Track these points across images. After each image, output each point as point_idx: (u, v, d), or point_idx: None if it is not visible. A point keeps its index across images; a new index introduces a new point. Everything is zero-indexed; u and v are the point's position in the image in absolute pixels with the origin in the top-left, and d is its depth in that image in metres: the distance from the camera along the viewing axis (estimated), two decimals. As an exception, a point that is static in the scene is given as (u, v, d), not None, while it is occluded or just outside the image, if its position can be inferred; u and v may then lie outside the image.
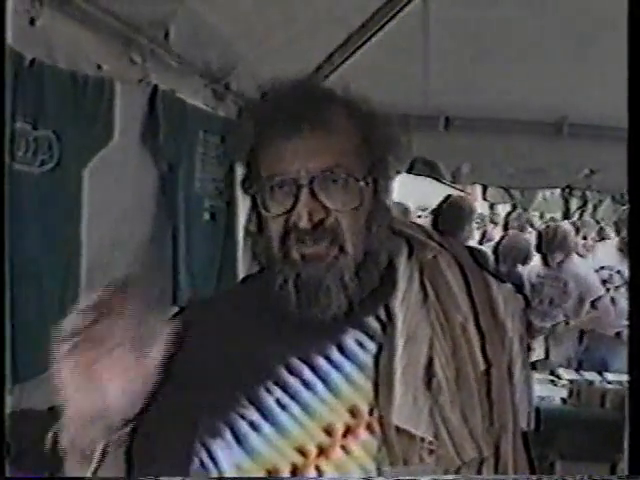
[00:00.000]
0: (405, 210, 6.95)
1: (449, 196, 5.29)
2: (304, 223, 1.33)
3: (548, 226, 6.81)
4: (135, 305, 1.28)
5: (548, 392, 4.74)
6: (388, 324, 1.39)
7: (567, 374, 5.13)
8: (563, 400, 4.67)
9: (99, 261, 2.84)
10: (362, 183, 1.37)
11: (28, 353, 2.44)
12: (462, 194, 5.38)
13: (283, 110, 1.36)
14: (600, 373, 5.10)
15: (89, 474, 1.36)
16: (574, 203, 11.65)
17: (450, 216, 4.93)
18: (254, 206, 1.42)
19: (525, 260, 6.47)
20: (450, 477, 1.33)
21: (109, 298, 1.27)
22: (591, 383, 4.82)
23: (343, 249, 1.36)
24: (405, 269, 1.43)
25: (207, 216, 3.69)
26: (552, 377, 5.08)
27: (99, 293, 1.27)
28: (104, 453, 1.35)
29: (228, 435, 1.37)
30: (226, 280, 3.69)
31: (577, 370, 5.40)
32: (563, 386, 4.85)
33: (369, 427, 1.34)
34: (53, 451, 2.57)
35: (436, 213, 5.16)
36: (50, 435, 2.59)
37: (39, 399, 2.58)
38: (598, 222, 9.43)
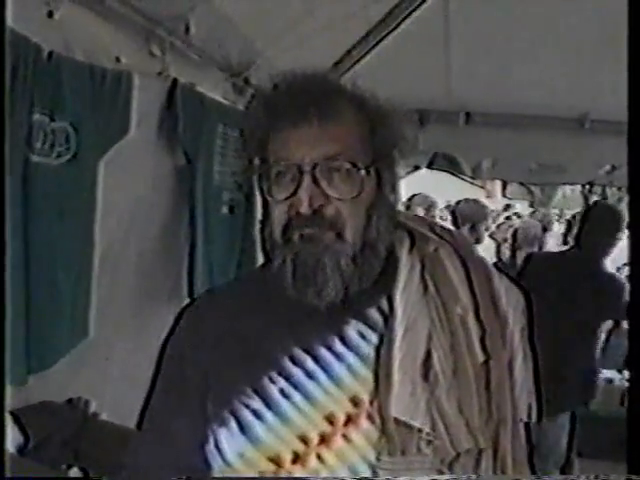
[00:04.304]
0: (431, 204, 6.93)
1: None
2: (304, 208, 1.35)
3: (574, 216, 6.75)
4: None
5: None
6: (389, 316, 1.40)
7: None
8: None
9: (112, 252, 2.86)
10: (363, 172, 1.39)
11: (41, 343, 2.47)
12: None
13: (293, 100, 1.38)
14: (619, 371, 5.06)
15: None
16: (593, 200, 11.50)
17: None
18: (261, 193, 1.44)
19: (540, 247, 6.43)
20: (446, 477, 1.34)
21: None
22: (610, 381, 4.78)
23: (341, 236, 1.37)
24: (406, 261, 1.44)
25: (226, 209, 3.70)
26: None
27: None
28: None
29: (233, 424, 1.40)
30: (245, 275, 3.69)
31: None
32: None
33: (370, 417, 1.35)
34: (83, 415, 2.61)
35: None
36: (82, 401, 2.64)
37: (54, 391, 2.62)
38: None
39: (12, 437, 2.37)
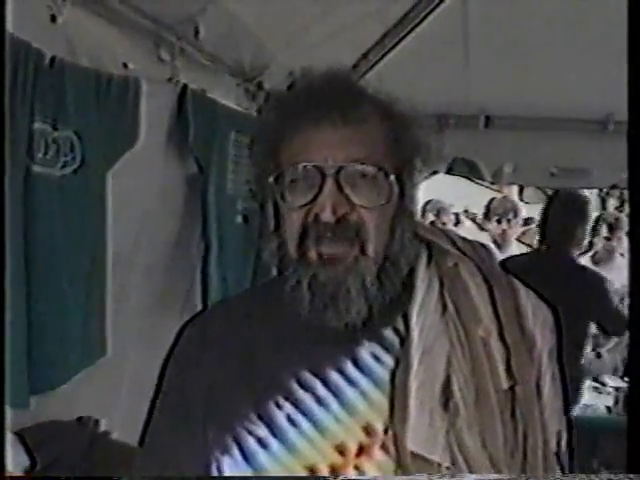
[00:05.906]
0: (441, 209, 6.99)
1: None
2: (327, 216, 1.25)
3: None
4: None
5: (593, 400, 4.61)
6: (406, 336, 1.30)
7: (612, 381, 4.96)
8: (608, 408, 4.54)
9: (122, 266, 2.78)
10: (392, 178, 1.29)
11: (48, 362, 2.39)
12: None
13: (313, 99, 1.29)
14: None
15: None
16: (611, 203, 11.29)
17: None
18: (273, 201, 1.35)
19: None
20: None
21: None
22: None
23: (364, 250, 1.28)
24: (424, 277, 1.34)
25: (240, 219, 3.61)
26: (597, 384, 4.92)
27: None
28: None
29: (236, 451, 1.31)
30: (260, 286, 3.60)
31: (622, 377, 5.21)
32: (608, 394, 4.71)
33: (384, 447, 1.26)
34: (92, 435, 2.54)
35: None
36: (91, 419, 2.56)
37: (61, 409, 2.54)
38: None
39: (19, 460, 2.30)
